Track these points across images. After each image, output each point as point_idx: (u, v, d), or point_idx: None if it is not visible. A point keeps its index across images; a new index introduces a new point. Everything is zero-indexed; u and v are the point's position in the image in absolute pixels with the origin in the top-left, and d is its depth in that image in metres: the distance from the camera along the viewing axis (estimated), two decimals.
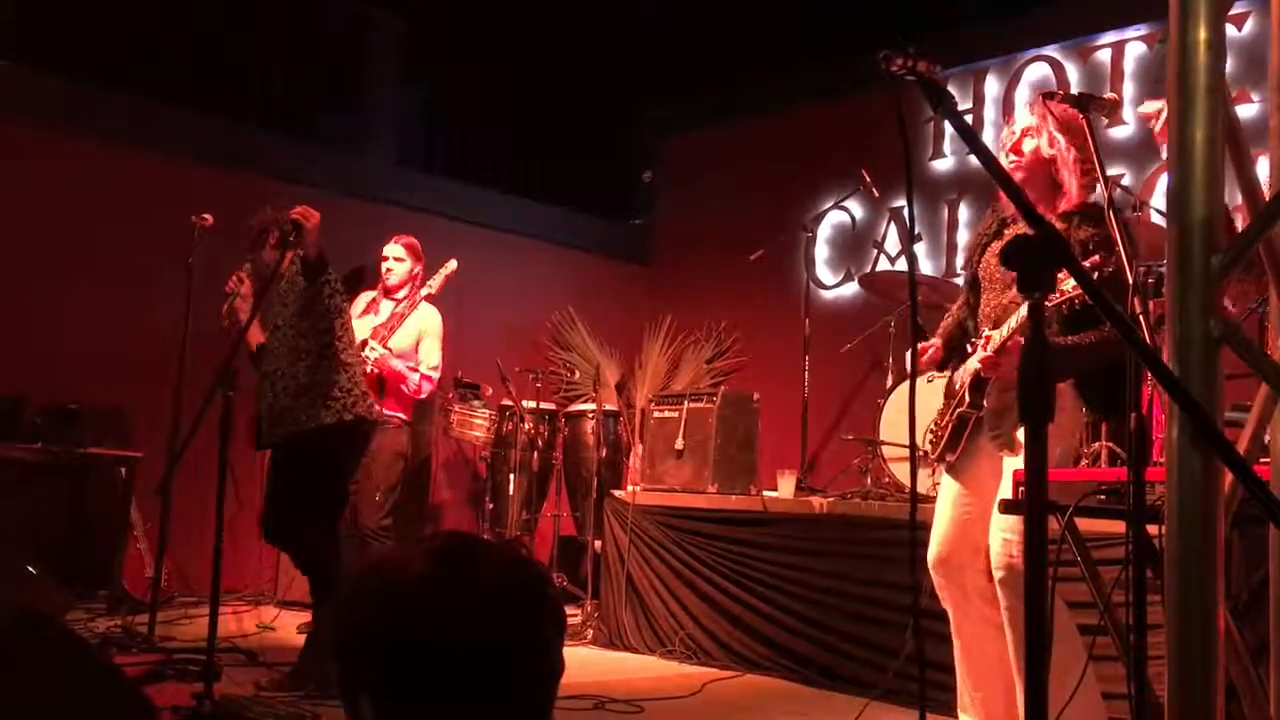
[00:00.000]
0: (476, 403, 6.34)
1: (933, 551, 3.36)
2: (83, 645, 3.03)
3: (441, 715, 1.20)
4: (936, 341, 3.51)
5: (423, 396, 5.44)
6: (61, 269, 5.81)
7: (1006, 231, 3.36)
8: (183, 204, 5.09)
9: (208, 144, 6.43)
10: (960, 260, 3.54)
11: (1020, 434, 2.97)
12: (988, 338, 3.18)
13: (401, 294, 5.37)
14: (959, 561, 3.32)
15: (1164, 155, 2.58)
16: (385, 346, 5.16)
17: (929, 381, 3.99)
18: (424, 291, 5.29)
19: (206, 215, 4.91)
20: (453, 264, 5.32)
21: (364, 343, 5.24)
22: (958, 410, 3.29)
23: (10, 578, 4.84)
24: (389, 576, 1.25)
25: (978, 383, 3.23)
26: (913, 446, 1.79)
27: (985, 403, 3.22)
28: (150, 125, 6.24)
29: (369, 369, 5.14)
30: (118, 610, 5.21)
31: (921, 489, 4.39)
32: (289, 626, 5.36)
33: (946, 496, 3.38)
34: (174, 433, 4.90)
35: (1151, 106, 2.84)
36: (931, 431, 3.48)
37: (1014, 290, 3.12)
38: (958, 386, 3.33)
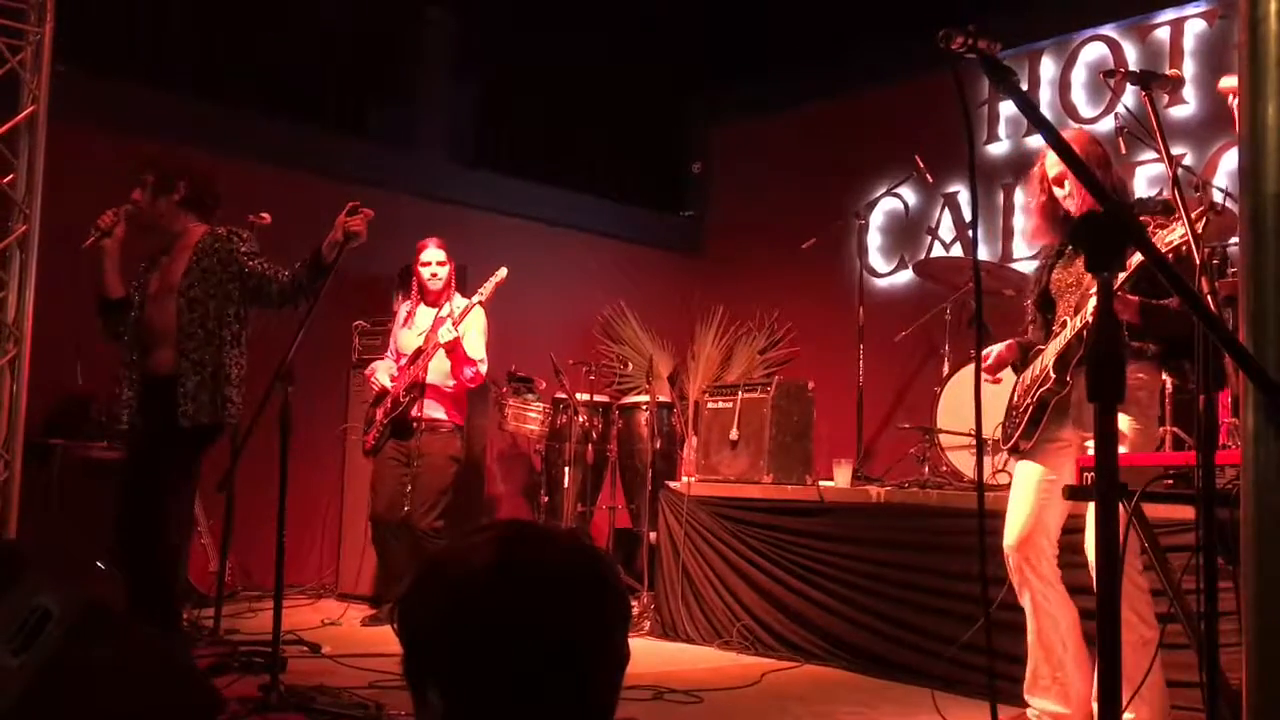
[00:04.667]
0: (530, 396, 6.37)
1: (1011, 536, 3.40)
2: (153, 638, 3.09)
3: (510, 704, 1.20)
4: (1011, 341, 3.54)
5: (473, 387, 5.51)
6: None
7: (1068, 251, 3.43)
8: (240, 203, 5.15)
9: (264, 143, 6.51)
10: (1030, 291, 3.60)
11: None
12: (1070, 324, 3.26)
13: (447, 305, 5.43)
14: (1037, 545, 3.38)
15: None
16: (456, 327, 5.24)
17: None
18: (476, 299, 5.33)
19: (264, 214, 4.96)
20: (503, 272, 5.35)
21: (419, 350, 5.33)
22: (1040, 392, 3.34)
23: (79, 573, 4.94)
24: (455, 567, 1.25)
25: (1062, 361, 3.27)
26: (979, 434, 1.76)
27: (1068, 379, 3.27)
28: (207, 126, 6.33)
29: (422, 374, 5.23)
30: (183, 604, 5.29)
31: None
32: (351, 620, 5.43)
33: (1024, 481, 3.41)
34: (234, 429, 4.96)
35: (1231, 81, 2.78)
36: (1006, 421, 3.51)
37: (1082, 289, 3.28)
38: (1037, 372, 3.38)
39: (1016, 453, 3.46)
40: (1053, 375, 3.29)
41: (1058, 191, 3.35)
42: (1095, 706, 3.23)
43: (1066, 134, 3.38)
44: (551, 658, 1.20)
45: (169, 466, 3.91)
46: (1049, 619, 3.37)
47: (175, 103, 6.28)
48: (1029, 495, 3.39)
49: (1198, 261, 2.40)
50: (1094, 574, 3.19)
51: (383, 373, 5.48)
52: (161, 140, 6.06)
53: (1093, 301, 3.15)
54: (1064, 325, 3.31)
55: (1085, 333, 3.20)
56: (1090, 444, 3.25)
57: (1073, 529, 3.44)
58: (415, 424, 5.28)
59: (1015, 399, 3.47)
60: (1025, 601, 3.40)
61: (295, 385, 3.69)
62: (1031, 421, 3.35)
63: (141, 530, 3.83)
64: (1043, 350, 3.40)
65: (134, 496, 3.87)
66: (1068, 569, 3.45)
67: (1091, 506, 3.14)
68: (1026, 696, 3.43)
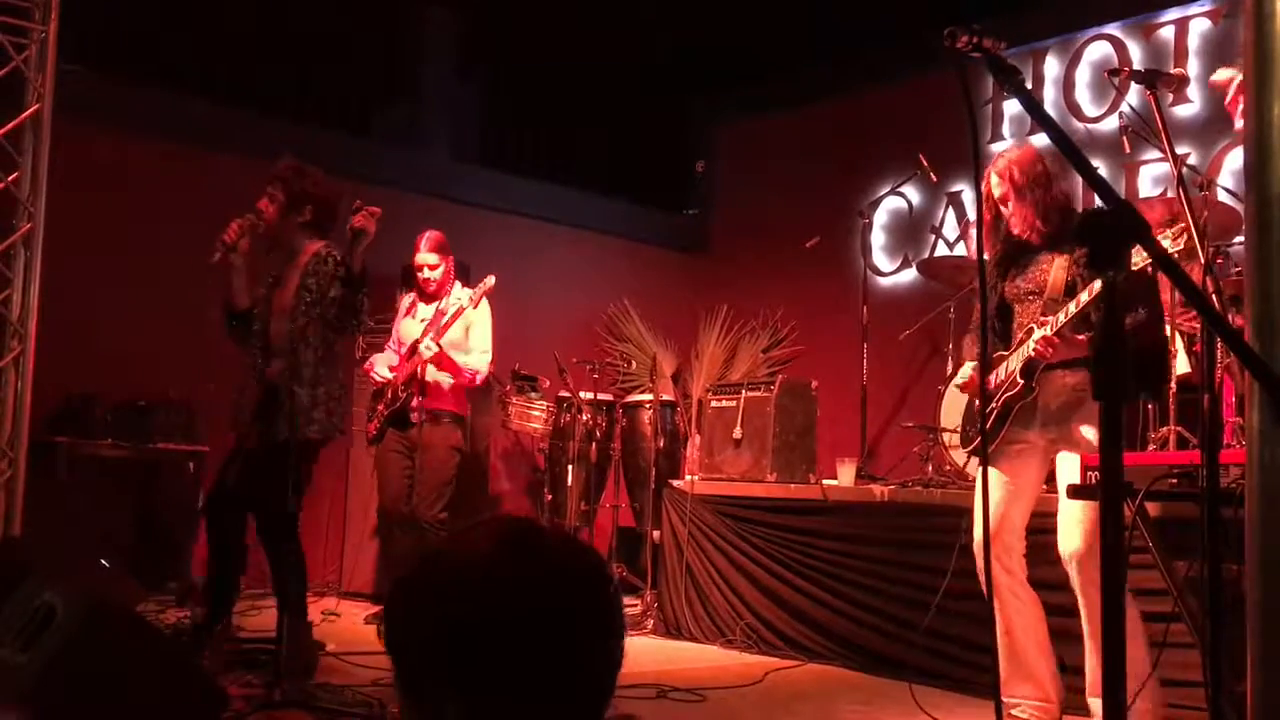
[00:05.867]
0: (534, 394, 6.37)
1: (981, 534, 3.42)
2: (158, 636, 3.10)
3: (505, 700, 1.20)
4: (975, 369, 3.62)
5: (479, 381, 5.48)
6: (132, 268, 5.92)
7: (1020, 262, 3.56)
8: (243, 203, 5.15)
9: (266, 143, 6.49)
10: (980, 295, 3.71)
11: (1084, 430, 3.30)
12: (1042, 323, 3.36)
13: (444, 300, 5.42)
14: (1005, 543, 3.46)
15: (1237, 124, 2.53)
16: (437, 343, 5.20)
17: None
18: (466, 304, 5.28)
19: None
20: (490, 280, 5.32)
21: (414, 345, 5.31)
22: (1005, 396, 3.43)
23: (84, 571, 4.95)
24: (451, 562, 1.25)
25: (1028, 368, 3.38)
26: (983, 432, 1.76)
27: (1034, 385, 3.38)
28: (211, 125, 6.34)
29: (419, 371, 5.22)
30: (187, 601, 5.30)
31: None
32: (353, 615, 5.43)
33: (989, 481, 3.47)
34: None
35: (1224, 75, 2.80)
36: (967, 425, 3.59)
37: (1045, 296, 3.41)
38: (1002, 377, 3.49)
39: (978, 454, 3.56)
40: (1019, 381, 3.39)
41: (1003, 209, 3.48)
42: (1093, 702, 3.26)
43: (1011, 152, 3.46)
44: (547, 656, 1.20)
45: (285, 470, 3.93)
46: (1020, 615, 3.45)
47: (179, 102, 6.30)
48: (994, 494, 3.45)
49: (1202, 260, 2.41)
50: (1069, 571, 3.24)
51: (382, 365, 5.48)
52: (162, 141, 6.10)
53: (1063, 314, 3.25)
54: (1029, 333, 3.41)
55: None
56: (1058, 447, 3.36)
57: (1043, 529, 3.47)
58: (415, 415, 5.27)
59: (978, 405, 3.55)
60: (999, 598, 3.45)
61: (301, 384, 3.69)
62: (996, 424, 3.43)
63: (265, 522, 3.99)
64: (1004, 356, 3.50)
65: (258, 496, 4.00)
66: (1041, 565, 3.50)
67: (1061, 506, 3.19)
68: (1006, 697, 3.45)
